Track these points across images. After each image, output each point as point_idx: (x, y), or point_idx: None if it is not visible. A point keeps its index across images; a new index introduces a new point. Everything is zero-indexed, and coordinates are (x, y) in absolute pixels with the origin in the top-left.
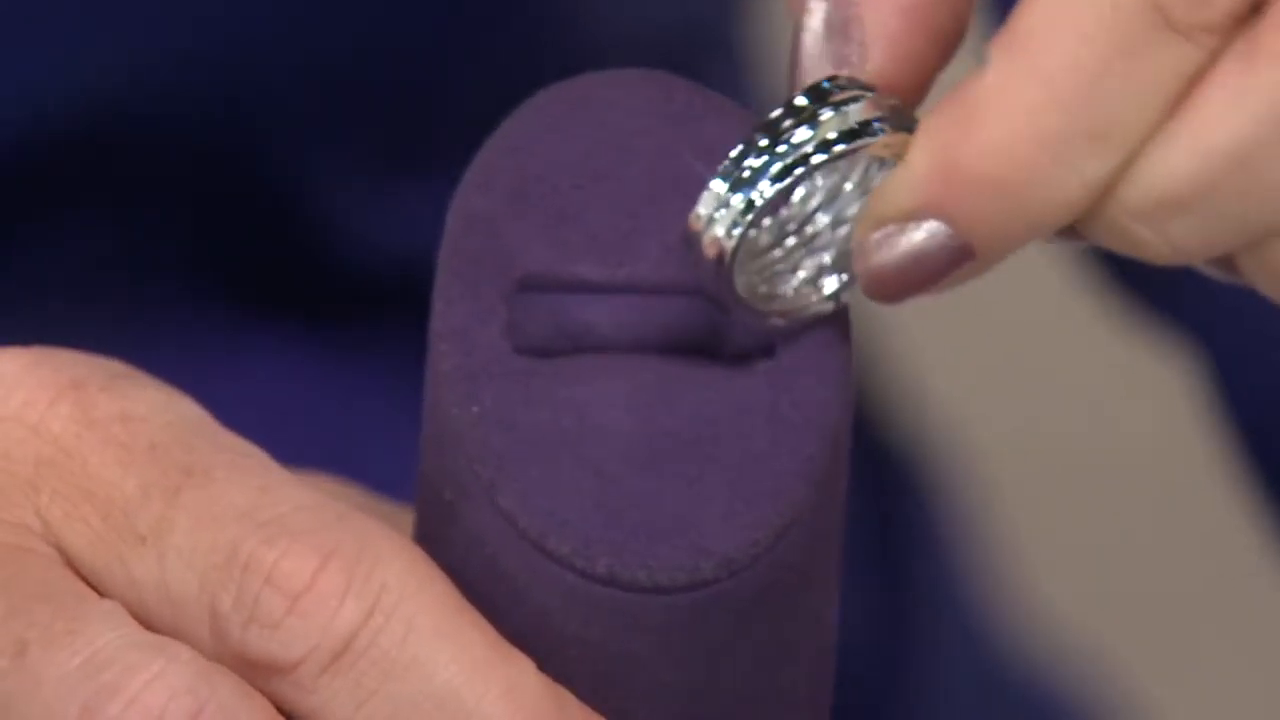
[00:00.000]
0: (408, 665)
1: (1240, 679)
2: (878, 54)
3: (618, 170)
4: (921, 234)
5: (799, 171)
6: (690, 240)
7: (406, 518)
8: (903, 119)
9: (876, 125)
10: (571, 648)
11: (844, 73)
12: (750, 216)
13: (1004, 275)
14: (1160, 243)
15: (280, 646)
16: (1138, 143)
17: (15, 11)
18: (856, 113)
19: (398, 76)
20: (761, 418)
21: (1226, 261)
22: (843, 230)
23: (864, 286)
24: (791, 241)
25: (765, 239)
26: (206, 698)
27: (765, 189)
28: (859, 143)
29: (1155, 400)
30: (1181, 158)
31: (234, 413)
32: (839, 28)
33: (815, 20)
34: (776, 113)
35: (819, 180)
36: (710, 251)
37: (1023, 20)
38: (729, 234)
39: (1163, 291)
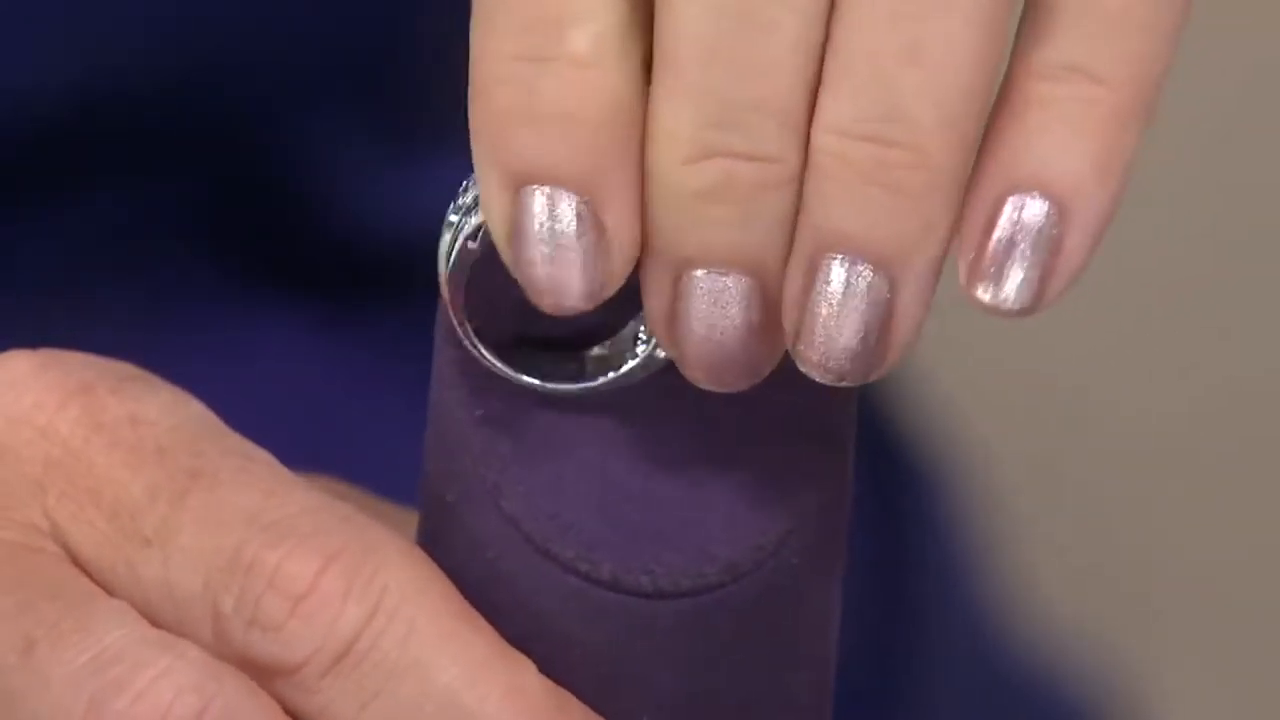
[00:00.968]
0: (409, 667)
1: (1240, 679)
2: None
3: None
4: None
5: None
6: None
7: (409, 520)
8: None
9: None
10: (574, 651)
11: None
12: (460, 240)
13: None
14: None
15: (282, 648)
16: None
17: None
18: None
19: (411, 59)
20: (765, 422)
21: None
22: None
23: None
24: None
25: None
26: (213, 695)
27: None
28: None
29: (1158, 398)
30: None
31: (238, 397)
32: None
33: None
34: None
35: None
36: (444, 284)
37: None
38: (446, 259)
39: None
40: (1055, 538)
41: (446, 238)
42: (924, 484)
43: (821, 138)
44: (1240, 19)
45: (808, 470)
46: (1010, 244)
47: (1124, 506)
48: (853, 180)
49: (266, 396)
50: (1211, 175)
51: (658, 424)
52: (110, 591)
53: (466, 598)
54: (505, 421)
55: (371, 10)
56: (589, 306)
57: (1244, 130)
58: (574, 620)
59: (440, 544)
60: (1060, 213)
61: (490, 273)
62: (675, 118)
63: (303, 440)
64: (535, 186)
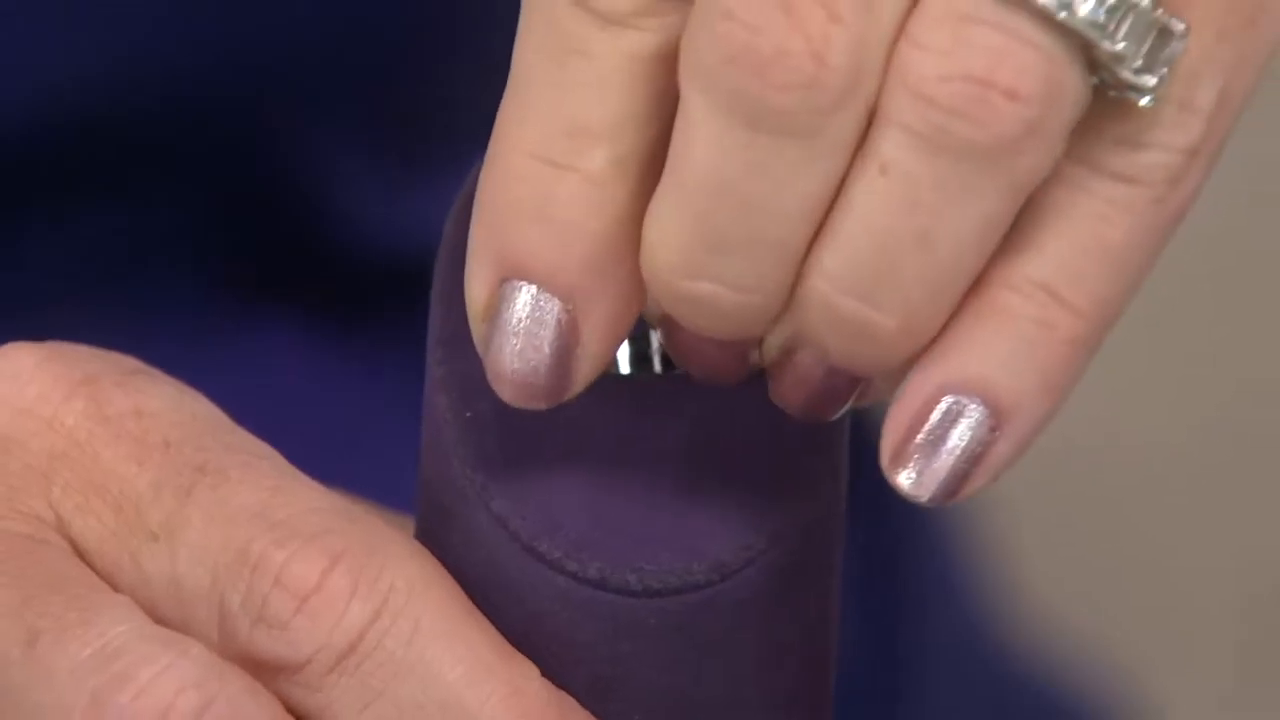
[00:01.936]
0: (413, 666)
1: (1241, 679)
2: None
3: None
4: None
5: None
6: None
7: (406, 527)
8: None
9: None
10: (566, 650)
11: None
12: None
13: None
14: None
15: (287, 646)
16: None
17: (18, 0)
18: None
19: (408, 72)
20: (755, 422)
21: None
22: None
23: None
24: None
25: None
26: (215, 692)
27: None
28: None
29: (1157, 400)
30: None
31: (236, 408)
32: None
33: None
34: None
35: None
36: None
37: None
38: None
39: None
40: (1055, 539)
41: None
42: None
43: (815, 280)
44: None
45: (799, 471)
46: (939, 440)
47: (1124, 507)
48: (833, 325)
49: (264, 407)
50: (1211, 180)
51: (646, 424)
52: (114, 585)
53: None
54: (494, 423)
55: (372, 26)
56: (543, 406)
57: (1245, 130)
58: (565, 619)
59: (437, 545)
60: (996, 422)
61: None
62: (675, 231)
63: (300, 451)
64: (523, 282)
